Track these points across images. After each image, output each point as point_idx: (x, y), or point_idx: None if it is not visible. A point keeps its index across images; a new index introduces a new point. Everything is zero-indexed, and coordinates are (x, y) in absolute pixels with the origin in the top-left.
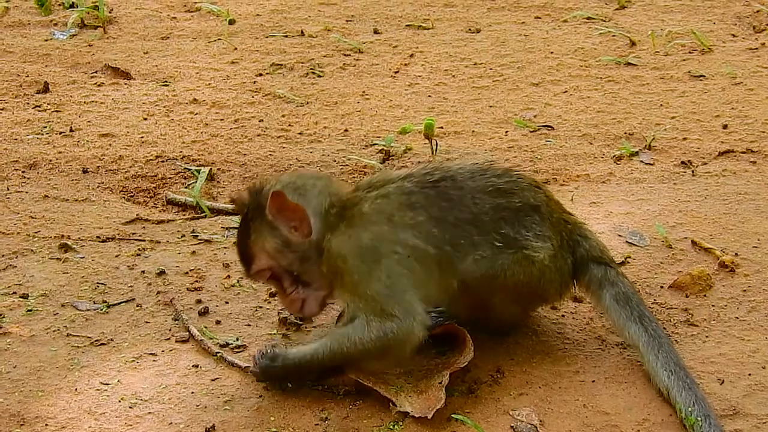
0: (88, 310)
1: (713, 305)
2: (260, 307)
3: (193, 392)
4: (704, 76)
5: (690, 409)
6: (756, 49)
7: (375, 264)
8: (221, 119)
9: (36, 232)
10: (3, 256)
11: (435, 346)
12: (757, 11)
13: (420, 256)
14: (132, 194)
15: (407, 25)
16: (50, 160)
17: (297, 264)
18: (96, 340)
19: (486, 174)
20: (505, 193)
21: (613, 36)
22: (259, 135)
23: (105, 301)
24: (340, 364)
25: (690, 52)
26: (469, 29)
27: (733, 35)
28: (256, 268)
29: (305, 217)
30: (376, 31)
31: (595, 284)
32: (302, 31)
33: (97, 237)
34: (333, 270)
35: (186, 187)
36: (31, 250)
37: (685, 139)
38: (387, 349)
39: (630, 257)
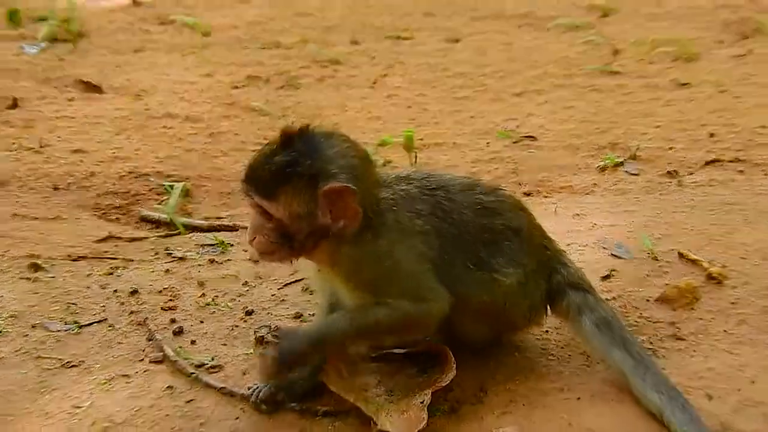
0: (59, 330)
1: (701, 318)
2: (236, 326)
3: (167, 414)
4: (690, 83)
5: (686, 428)
6: (743, 55)
7: (395, 265)
8: (196, 133)
9: (5, 252)
10: None
11: (416, 364)
12: (744, 18)
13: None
14: (104, 211)
15: (386, 36)
16: (20, 178)
17: (302, 234)
18: (67, 362)
19: (475, 190)
20: (491, 213)
21: (597, 44)
22: (235, 149)
23: (76, 322)
24: (353, 340)
25: (675, 60)
26: (450, 39)
27: (720, 41)
28: (263, 205)
29: (356, 220)
30: (354, 42)
31: (574, 310)
32: (278, 43)
33: (69, 256)
34: (346, 270)
35: (160, 204)
36: (0, 270)
37: (670, 148)
38: (411, 327)
39: (615, 270)
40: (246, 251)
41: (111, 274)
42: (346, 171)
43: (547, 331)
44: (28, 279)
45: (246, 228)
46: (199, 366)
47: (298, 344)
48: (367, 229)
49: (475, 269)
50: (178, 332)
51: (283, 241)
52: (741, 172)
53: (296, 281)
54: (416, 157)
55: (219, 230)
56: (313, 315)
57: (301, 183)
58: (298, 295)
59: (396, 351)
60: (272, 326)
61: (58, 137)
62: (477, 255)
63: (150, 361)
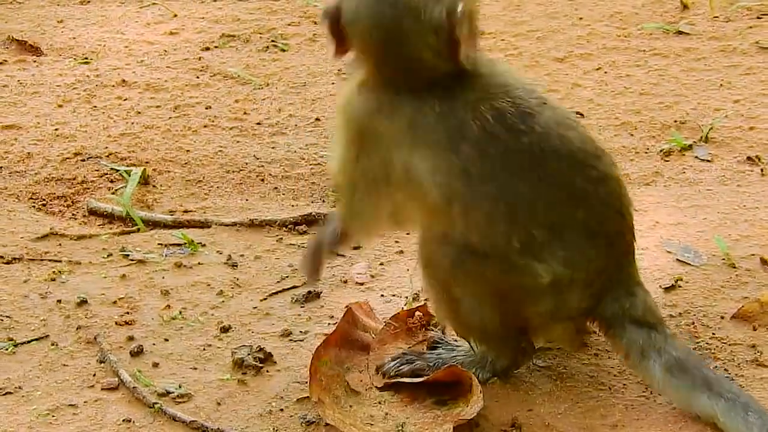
0: None
1: None
2: (209, 345)
3: None
4: None
5: None
6: None
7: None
8: (157, 106)
9: None
10: None
11: (433, 393)
12: None
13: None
14: (44, 202)
15: None
16: None
17: None
18: (0, 389)
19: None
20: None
21: None
22: (205, 126)
23: (11, 339)
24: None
25: (759, 18)
26: None
27: None
28: None
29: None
30: None
31: (636, 353)
32: None
33: (1, 257)
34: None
35: (113, 193)
36: None
37: (752, 128)
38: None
39: (682, 280)
40: (220, 253)
41: (53, 280)
42: None
43: (596, 355)
44: None
45: (220, 224)
46: (163, 394)
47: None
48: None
49: (516, 252)
50: (137, 352)
51: None
52: None
53: (283, 290)
54: None
55: (187, 227)
56: (305, 333)
57: None
58: (286, 307)
59: (407, 380)
60: (254, 346)
61: None
62: (530, 232)
63: (102, 388)
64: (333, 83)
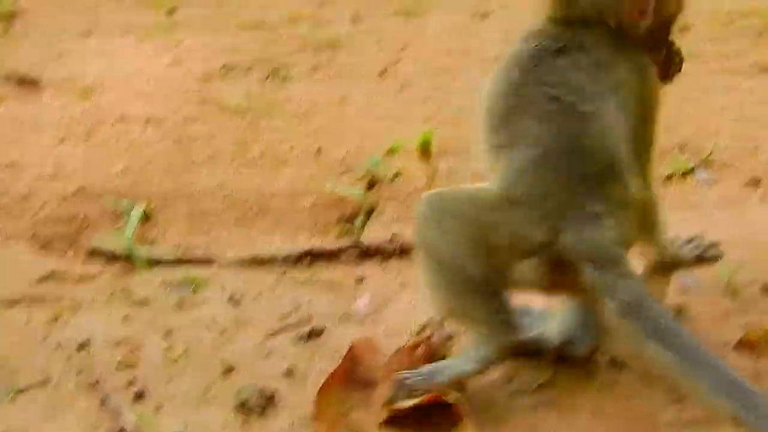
0: None
1: None
2: (213, 385)
3: None
4: None
5: None
6: None
7: None
8: (159, 140)
9: None
10: None
11: (438, 425)
12: None
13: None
14: (45, 242)
15: (395, 12)
16: None
17: None
18: None
19: None
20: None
21: None
22: (208, 159)
23: (11, 385)
24: None
25: (759, 36)
26: (475, 14)
27: None
28: None
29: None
30: (355, 20)
31: (592, 294)
32: (261, 22)
33: (1, 300)
34: None
35: (115, 230)
36: None
37: (754, 149)
38: None
39: (685, 307)
40: (223, 290)
41: (55, 321)
42: None
43: (600, 389)
44: None
45: (223, 260)
46: None
47: None
48: None
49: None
50: (140, 395)
51: None
52: None
53: (286, 327)
54: (435, 167)
55: (189, 263)
56: (309, 370)
57: None
58: (289, 345)
59: (403, 405)
60: (257, 386)
61: None
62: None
63: None
64: (334, 112)
